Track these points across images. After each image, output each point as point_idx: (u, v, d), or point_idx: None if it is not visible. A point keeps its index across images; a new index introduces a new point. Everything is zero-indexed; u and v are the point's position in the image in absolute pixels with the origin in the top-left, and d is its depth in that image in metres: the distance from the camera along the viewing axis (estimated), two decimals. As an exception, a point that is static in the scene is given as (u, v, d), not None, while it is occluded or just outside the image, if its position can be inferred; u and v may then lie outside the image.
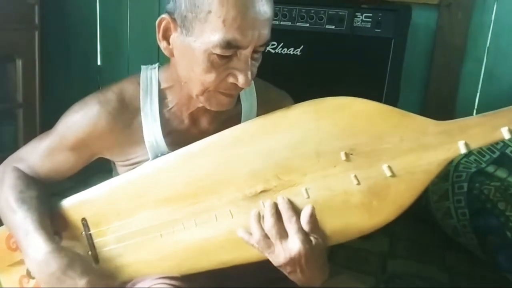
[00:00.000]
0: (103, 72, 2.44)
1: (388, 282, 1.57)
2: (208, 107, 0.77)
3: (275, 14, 1.57)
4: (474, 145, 0.66)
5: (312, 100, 0.73)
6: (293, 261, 0.69)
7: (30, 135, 0.89)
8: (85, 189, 0.83)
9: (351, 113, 0.70)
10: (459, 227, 1.69)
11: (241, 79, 0.71)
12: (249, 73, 0.71)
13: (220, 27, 0.67)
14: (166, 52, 0.76)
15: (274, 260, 0.71)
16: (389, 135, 0.69)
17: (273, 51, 1.63)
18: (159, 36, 0.75)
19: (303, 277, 0.71)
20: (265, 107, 0.83)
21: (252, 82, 0.87)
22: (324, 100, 0.72)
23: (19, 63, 1.90)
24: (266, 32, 0.71)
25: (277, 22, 1.61)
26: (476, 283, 1.58)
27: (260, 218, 0.71)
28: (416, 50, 1.89)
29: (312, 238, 0.69)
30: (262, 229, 0.70)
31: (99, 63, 2.43)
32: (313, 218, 0.69)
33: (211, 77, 0.71)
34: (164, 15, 0.73)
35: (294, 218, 0.69)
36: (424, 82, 1.97)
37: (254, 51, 0.72)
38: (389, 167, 0.68)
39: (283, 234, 0.69)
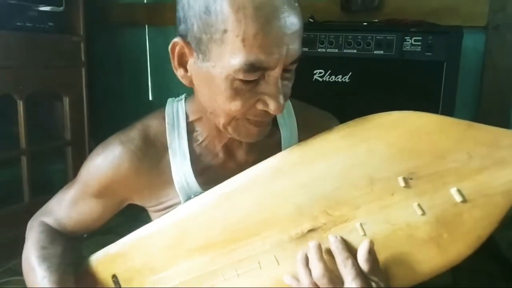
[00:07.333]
0: (155, 107, 2.44)
1: (456, 319, 1.42)
2: (237, 138, 0.69)
3: (321, 42, 1.55)
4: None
5: (358, 118, 0.63)
6: None
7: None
8: (136, 225, 0.76)
9: (406, 130, 0.60)
10: (527, 260, 1.52)
11: (272, 106, 0.61)
12: (281, 97, 0.62)
13: (240, 47, 0.57)
14: (184, 81, 0.68)
15: None
16: (454, 152, 0.58)
17: (320, 79, 1.59)
18: (174, 63, 0.67)
19: None
20: (307, 130, 0.74)
21: (290, 104, 0.78)
22: (373, 117, 0.62)
23: (66, 100, 1.92)
24: (295, 47, 0.61)
25: (324, 50, 1.59)
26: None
27: (308, 261, 0.61)
28: (464, 74, 1.82)
29: (373, 283, 0.58)
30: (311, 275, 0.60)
31: (150, 98, 2.43)
32: (372, 255, 0.58)
33: (236, 105, 0.62)
34: (176, 39, 0.65)
35: (350, 261, 0.58)
36: (474, 107, 1.90)
37: (285, 70, 0.62)
38: (459, 191, 0.57)
39: (337, 281, 0.59)
